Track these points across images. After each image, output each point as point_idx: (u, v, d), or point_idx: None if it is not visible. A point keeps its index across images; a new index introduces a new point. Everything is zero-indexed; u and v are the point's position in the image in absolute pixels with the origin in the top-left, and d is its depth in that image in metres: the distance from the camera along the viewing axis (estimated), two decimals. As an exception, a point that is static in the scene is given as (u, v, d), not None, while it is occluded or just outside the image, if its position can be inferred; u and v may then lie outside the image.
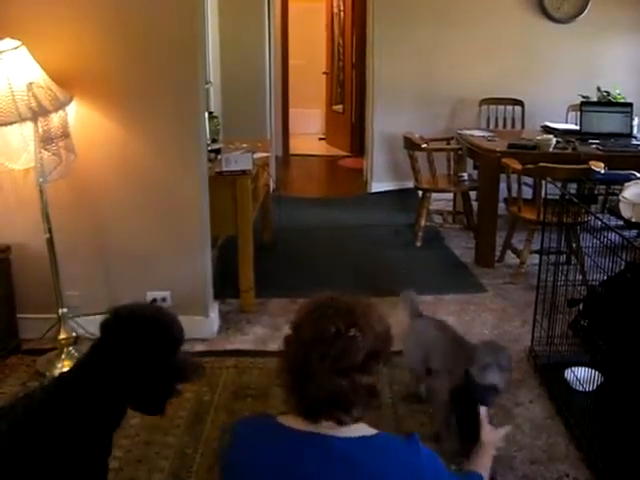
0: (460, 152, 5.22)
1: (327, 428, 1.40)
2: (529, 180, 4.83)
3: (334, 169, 8.35)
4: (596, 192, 4.21)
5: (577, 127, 5.17)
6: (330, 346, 1.35)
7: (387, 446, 1.42)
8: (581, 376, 2.93)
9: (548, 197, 3.45)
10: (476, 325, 3.77)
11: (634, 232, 4.11)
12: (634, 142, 4.84)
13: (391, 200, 6.47)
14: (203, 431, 2.75)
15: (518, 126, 6.20)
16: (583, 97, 5.38)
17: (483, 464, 1.83)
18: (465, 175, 5.24)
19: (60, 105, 3.00)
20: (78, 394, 1.67)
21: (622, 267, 2.72)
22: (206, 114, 3.90)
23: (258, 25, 6.40)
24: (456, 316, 3.88)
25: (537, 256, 3.59)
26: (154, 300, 3.50)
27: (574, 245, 4.24)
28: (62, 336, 3.26)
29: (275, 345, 3.58)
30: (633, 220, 3.31)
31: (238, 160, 3.74)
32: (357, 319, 1.39)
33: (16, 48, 2.92)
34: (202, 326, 3.56)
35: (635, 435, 2.42)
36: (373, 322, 1.42)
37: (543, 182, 3.82)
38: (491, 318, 3.86)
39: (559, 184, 3.44)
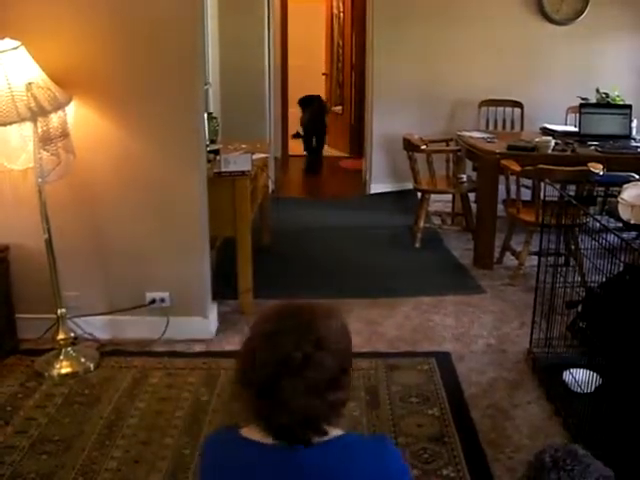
0: (459, 153, 5.22)
1: None
2: (528, 182, 4.83)
3: (333, 170, 8.35)
4: (595, 194, 4.20)
5: (576, 129, 5.17)
6: (300, 371, 1.30)
7: (352, 447, 1.39)
8: (579, 378, 2.92)
9: (547, 199, 3.45)
10: (474, 327, 3.77)
11: (633, 234, 4.10)
12: (633, 144, 4.84)
13: (390, 201, 6.46)
14: (201, 432, 2.75)
15: (517, 128, 6.20)
16: (582, 99, 5.37)
17: None
18: (464, 176, 5.24)
19: (59, 105, 3.01)
20: None
21: (621, 269, 2.72)
22: (205, 115, 3.90)
23: (257, 26, 6.40)
24: (454, 317, 3.88)
25: (536, 258, 3.59)
26: (153, 301, 3.52)
27: (573, 247, 4.23)
28: (61, 336, 3.26)
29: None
30: (632, 222, 3.30)
31: (237, 161, 3.74)
32: (321, 337, 1.33)
33: (16, 48, 2.92)
34: (200, 327, 3.57)
35: (633, 437, 2.42)
36: (336, 336, 1.38)
37: (542, 184, 3.82)
38: (490, 320, 3.86)
39: (558, 186, 3.44)
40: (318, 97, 8.73)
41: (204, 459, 1.51)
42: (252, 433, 1.39)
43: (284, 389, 1.30)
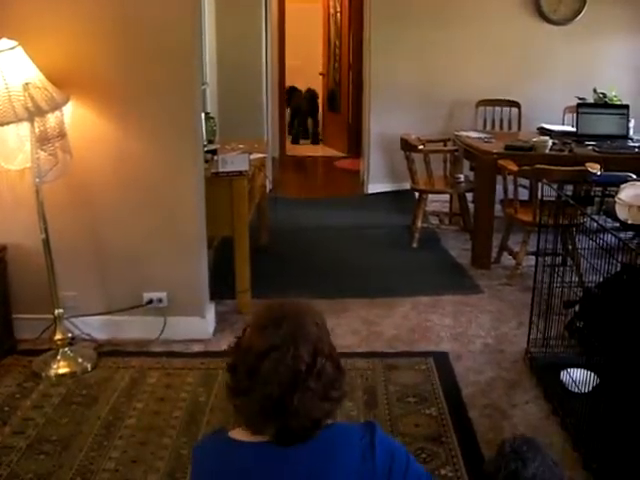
0: (457, 153, 5.22)
1: None
2: (525, 182, 4.83)
3: (331, 170, 8.35)
4: (592, 194, 4.21)
5: (573, 129, 5.18)
6: (306, 382, 1.32)
7: (339, 434, 1.40)
8: (577, 377, 2.93)
9: (544, 199, 3.45)
10: (472, 327, 3.77)
11: (630, 234, 4.10)
12: (630, 144, 4.84)
13: (388, 201, 6.47)
14: (199, 432, 2.75)
15: (515, 128, 6.21)
16: (579, 99, 5.38)
17: None
18: (462, 176, 5.24)
19: (56, 105, 3.00)
20: None
21: (618, 269, 2.72)
22: (203, 115, 3.90)
23: (255, 26, 6.40)
24: (452, 317, 3.88)
25: (533, 258, 3.59)
26: (150, 301, 3.51)
27: (570, 247, 4.24)
28: (58, 337, 3.25)
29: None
30: (629, 222, 3.30)
31: (235, 161, 3.74)
32: (314, 343, 1.36)
33: (12, 48, 2.92)
34: (198, 327, 3.56)
35: (631, 436, 2.42)
36: (324, 337, 1.40)
37: (539, 184, 3.82)
38: (487, 319, 3.87)
39: (555, 186, 3.45)
40: (296, 88, 9.78)
41: (194, 467, 1.49)
42: (242, 434, 1.39)
43: (294, 401, 1.31)
